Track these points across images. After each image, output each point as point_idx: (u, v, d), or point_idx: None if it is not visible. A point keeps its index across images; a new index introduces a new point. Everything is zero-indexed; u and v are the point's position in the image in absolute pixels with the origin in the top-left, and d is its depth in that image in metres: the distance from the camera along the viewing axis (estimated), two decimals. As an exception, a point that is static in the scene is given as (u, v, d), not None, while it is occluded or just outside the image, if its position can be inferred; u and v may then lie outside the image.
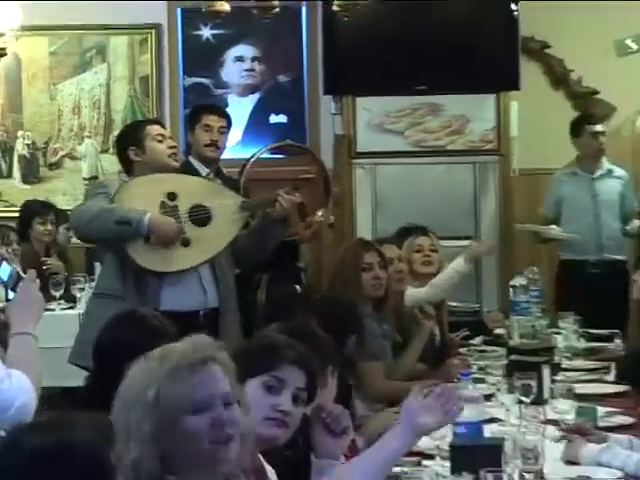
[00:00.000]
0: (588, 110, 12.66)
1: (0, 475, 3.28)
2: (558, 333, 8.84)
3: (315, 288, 8.90)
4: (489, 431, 5.76)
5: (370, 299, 8.02)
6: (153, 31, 13.00)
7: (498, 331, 9.34)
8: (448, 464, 5.19)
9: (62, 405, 5.58)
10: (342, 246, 9.54)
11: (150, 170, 7.98)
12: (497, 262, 11.81)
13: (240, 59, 12.94)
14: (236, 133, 11.59)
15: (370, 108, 12.06)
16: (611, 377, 7.90)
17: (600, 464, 5.55)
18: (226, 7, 8.71)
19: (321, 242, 11.59)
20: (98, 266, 8.41)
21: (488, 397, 6.79)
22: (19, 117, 13.15)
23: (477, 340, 9.28)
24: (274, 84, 13.00)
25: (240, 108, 12.76)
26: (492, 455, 5.05)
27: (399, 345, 8.08)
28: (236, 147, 11.31)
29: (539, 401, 6.50)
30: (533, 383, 6.62)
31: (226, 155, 9.21)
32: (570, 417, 6.36)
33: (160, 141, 8.08)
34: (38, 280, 5.14)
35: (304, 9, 12.32)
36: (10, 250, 9.90)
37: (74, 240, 11.27)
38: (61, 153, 13.04)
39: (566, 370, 7.95)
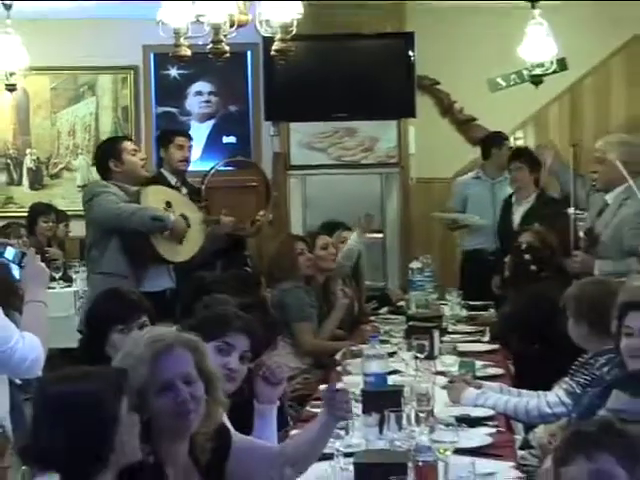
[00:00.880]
0: (470, 134, 12.77)
1: (32, 419, 3.39)
2: (445, 304, 8.93)
3: (258, 270, 8.96)
4: (392, 380, 5.73)
5: (303, 276, 8.17)
6: (132, 71, 12.93)
7: (399, 303, 9.29)
8: (360, 406, 5.11)
9: (60, 362, 5.62)
10: (278, 238, 9.69)
11: (126, 178, 8.02)
12: (399, 249, 11.86)
13: (199, 93, 12.86)
14: (197, 151, 11.57)
15: (301, 131, 12.04)
16: (486, 338, 7.88)
17: (477, 405, 5.62)
18: (188, 52, 8.67)
19: (263, 235, 11.62)
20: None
21: (391, 354, 6.76)
22: (27, 138, 13.04)
23: (383, 310, 9.24)
24: (226, 112, 12.91)
25: (200, 131, 12.61)
26: (394, 399, 5.03)
27: (324, 313, 8.14)
28: (196, 162, 11.26)
29: (430, 357, 6.49)
30: (426, 343, 6.65)
31: (189, 168, 9.23)
32: (454, 369, 6.38)
33: (134, 154, 8.16)
34: (39, 255, 5.10)
35: (249, 54, 12.28)
36: (20, 242, 9.84)
37: (71, 234, 11.37)
38: (60, 166, 12.93)
39: (451, 333, 7.96)
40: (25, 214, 11.75)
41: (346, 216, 9.79)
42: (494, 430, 5.23)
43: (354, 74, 11.70)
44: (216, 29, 8.21)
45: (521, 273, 7.81)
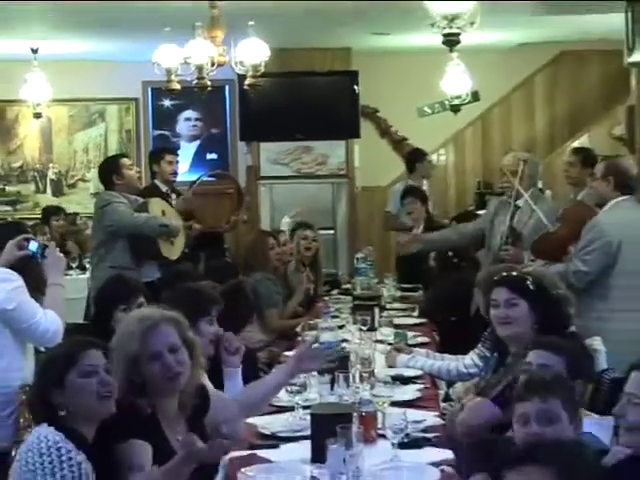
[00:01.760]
0: (402, 151, 12.77)
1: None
2: (383, 287, 8.91)
3: (235, 261, 8.95)
4: (340, 348, 5.43)
5: (272, 268, 8.16)
6: (133, 102, 12.88)
7: (347, 286, 9.14)
8: None
9: (75, 334, 5.59)
10: (251, 234, 9.69)
11: (127, 188, 7.99)
12: (346, 243, 11.86)
13: (188, 119, 12.80)
14: (185, 165, 11.56)
15: (268, 149, 11.99)
16: (415, 314, 7.78)
17: (408, 367, 5.60)
18: (178, 86, 8.65)
19: (238, 232, 11.61)
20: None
21: (341, 327, 6.69)
22: (50, 156, 12.96)
23: (334, 292, 9.12)
24: (209, 134, 12.83)
25: (188, 150, 12.53)
26: (343, 362, 4.96)
27: (287, 295, 8.12)
28: (185, 174, 11.25)
29: (372, 329, 6.51)
30: (368, 318, 6.63)
31: (181, 178, 9.25)
32: (391, 339, 6.36)
33: (131, 169, 8.16)
34: (57, 248, 5.12)
35: (227, 88, 12.24)
36: (44, 238, 9.78)
37: (87, 232, 11.28)
38: (76, 177, 12.85)
39: (388, 309, 7.86)
40: (47, 216, 11.67)
41: (305, 217, 9.83)
42: (422, 387, 5.22)
43: (310, 103, 11.70)
44: (200, 68, 8.18)
45: (445, 263, 7.85)
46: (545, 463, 2.49)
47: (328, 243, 10.89)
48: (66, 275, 5.54)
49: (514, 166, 7.69)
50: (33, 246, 4.91)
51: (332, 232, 11.71)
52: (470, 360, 5.49)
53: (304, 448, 3.97)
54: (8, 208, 12.82)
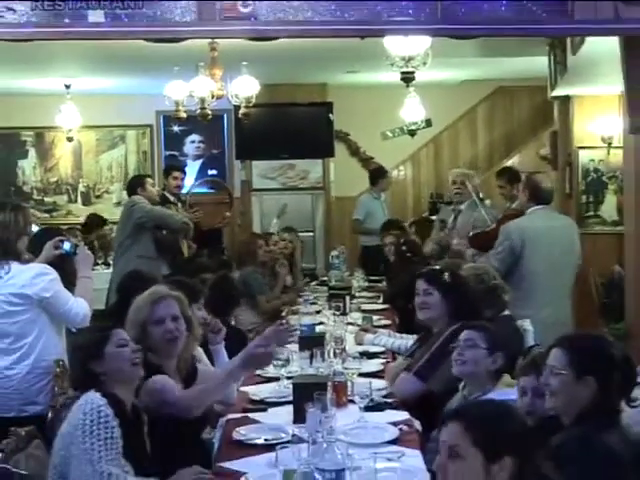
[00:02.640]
0: (369, 168, 12.76)
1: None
2: (353, 279, 8.92)
3: (230, 257, 8.97)
4: (318, 329, 5.71)
5: (260, 263, 8.15)
6: (148, 128, 12.75)
7: (323, 278, 9.22)
8: (297, 346, 5.13)
9: (100, 318, 5.59)
10: (244, 236, 9.71)
11: (149, 199, 8.05)
12: (323, 243, 11.81)
13: (193, 141, 12.65)
14: (190, 179, 11.54)
15: (259, 166, 11.91)
16: (380, 301, 7.93)
17: (373, 344, 5.65)
18: (184, 115, 8.68)
19: (234, 234, 11.62)
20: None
21: (318, 312, 6.79)
22: (80, 172, 12.82)
23: (313, 283, 9.21)
24: (210, 154, 12.68)
25: (193, 167, 12.47)
26: (319, 341, 5.05)
27: (272, 285, 8.12)
28: (192, 186, 11.27)
29: (344, 313, 6.60)
30: (341, 304, 6.71)
31: (191, 190, 9.33)
32: (359, 321, 6.44)
33: (152, 187, 8.21)
34: (86, 247, 5.20)
35: (225, 116, 12.19)
36: (76, 239, 9.73)
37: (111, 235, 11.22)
38: (102, 190, 12.73)
39: (357, 297, 7.94)
40: (79, 223, 11.59)
41: (289, 222, 9.86)
42: (384, 361, 5.28)
43: (293, 129, 11.58)
44: (202, 100, 8.19)
45: (402, 258, 7.87)
46: (462, 419, 2.48)
47: (308, 243, 10.87)
48: (93, 270, 5.50)
49: (463, 177, 7.86)
50: (67, 246, 4.92)
51: (311, 234, 11.70)
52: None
53: (288, 411, 3.99)
54: (46, 215, 12.74)
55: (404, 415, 4.05)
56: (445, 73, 11.22)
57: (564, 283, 6.12)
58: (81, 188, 12.94)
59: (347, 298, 7.09)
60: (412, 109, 11.28)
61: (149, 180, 8.37)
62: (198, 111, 8.31)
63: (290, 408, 3.96)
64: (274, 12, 5.14)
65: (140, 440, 3.43)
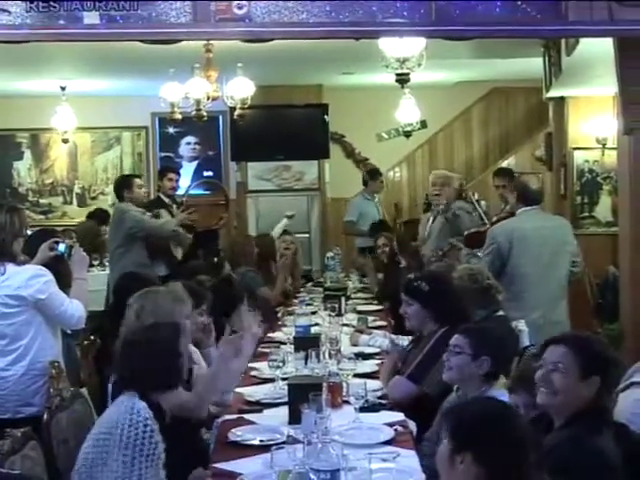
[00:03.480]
0: (364, 169, 12.76)
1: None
2: (349, 280, 8.93)
3: (224, 259, 8.97)
4: (314, 330, 5.72)
5: (255, 263, 8.16)
6: (144, 129, 12.74)
7: (319, 279, 9.25)
8: (292, 347, 5.21)
9: (96, 319, 5.59)
10: (240, 237, 9.72)
11: (134, 202, 8.00)
12: (319, 244, 11.80)
13: (188, 143, 12.65)
14: (186, 180, 11.52)
15: (254, 167, 11.88)
16: (375, 302, 7.90)
17: (369, 345, 5.66)
18: (180, 117, 8.68)
19: (230, 235, 11.61)
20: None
21: (313, 313, 6.74)
22: (76, 173, 12.83)
23: (309, 284, 9.25)
24: (206, 156, 12.68)
25: (189, 168, 12.46)
26: (315, 341, 5.05)
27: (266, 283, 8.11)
28: (188, 188, 11.26)
29: (339, 314, 6.59)
30: (336, 305, 6.69)
31: (187, 191, 9.34)
32: (355, 322, 6.44)
33: (140, 188, 8.17)
34: (82, 249, 5.17)
35: (220, 117, 12.18)
36: (71, 241, 9.69)
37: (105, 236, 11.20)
38: (97, 192, 12.70)
39: (353, 298, 7.97)
40: (74, 224, 11.54)
41: (285, 224, 9.86)
42: (379, 362, 5.25)
43: (289, 130, 11.58)
44: (198, 102, 8.19)
45: (393, 260, 7.94)
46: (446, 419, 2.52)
47: (304, 245, 10.85)
48: (88, 271, 5.50)
49: (443, 178, 7.86)
50: (62, 247, 4.91)
51: (307, 235, 11.68)
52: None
53: (283, 412, 3.99)
54: (41, 217, 12.74)
55: (399, 416, 4.05)
56: (440, 74, 11.23)
57: (557, 284, 6.09)
58: (76, 190, 12.92)
59: (342, 299, 7.11)
60: (407, 110, 11.29)
61: (137, 181, 8.25)
62: (193, 113, 8.31)
63: (285, 409, 3.95)
64: (269, 13, 5.15)
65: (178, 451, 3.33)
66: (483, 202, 11.36)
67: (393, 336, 5.91)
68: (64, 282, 4.85)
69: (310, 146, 11.72)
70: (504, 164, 11.43)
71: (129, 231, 7.84)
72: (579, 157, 9.91)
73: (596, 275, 8.95)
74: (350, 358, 4.76)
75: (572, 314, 6.35)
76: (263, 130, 11.42)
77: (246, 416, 4.11)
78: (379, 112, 11.80)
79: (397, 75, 6.56)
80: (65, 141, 12.14)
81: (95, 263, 10.09)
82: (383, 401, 4.29)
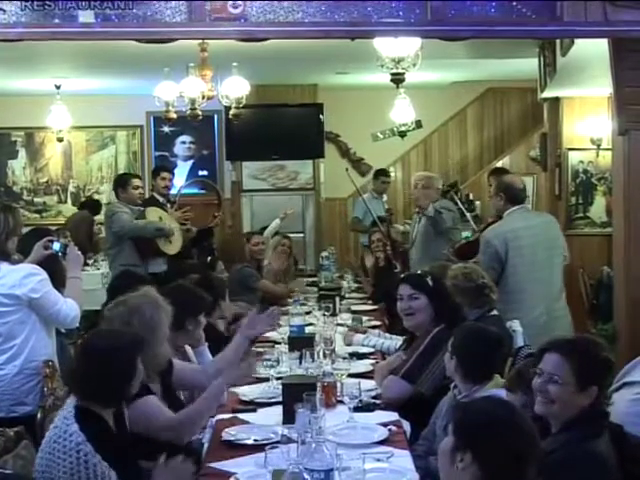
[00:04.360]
0: (359, 169, 12.82)
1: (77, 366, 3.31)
2: (343, 279, 8.93)
3: (217, 257, 8.98)
4: (308, 330, 5.73)
5: (254, 260, 8.15)
6: (139, 128, 12.75)
7: (314, 279, 9.16)
8: (287, 347, 5.19)
9: (91, 318, 5.57)
10: (235, 236, 9.71)
11: (128, 202, 8.04)
12: (314, 244, 11.80)
13: (183, 142, 12.65)
14: (180, 180, 11.50)
15: (249, 167, 11.92)
16: (370, 302, 7.86)
17: (363, 345, 5.65)
18: (175, 116, 8.69)
19: (224, 234, 11.62)
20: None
21: (308, 312, 6.66)
22: (70, 172, 12.84)
23: (304, 283, 9.25)
24: (201, 155, 12.69)
25: (183, 168, 12.50)
26: (309, 341, 5.05)
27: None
28: (182, 187, 11.25)
29: (333, 314, 6.59)
30: (331, 305, 6.70)
31: (181, 191, 9.34)
32: (349, 322, 6.43)
33: (135, 189, 8.16)
34: (77, 247, 5.13)
35: (215, 117, 12.20)
36: (65, 239, 9.69)
37: (101, 235, 11.19)
38: (92, 191, 12.72)
39: (347, 298, 7.90)
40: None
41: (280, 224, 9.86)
42: (374, 361, 5.25)
43: (284, 130, 11.61)
44: (193, 101, 8.19)
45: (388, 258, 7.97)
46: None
47: (298, 244, 10.88)
48: (83, 270, 5.50)
49: (425, 180, 7.78)
50: (56, 246, 4.91)
51: (302, 235, 11.70)
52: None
53: (277, 412, 3.98)
54: (36, 215, 12.74)
55: (393, 416, 4.05)
56: (435, 74, 11.24)
57: (554, 279, 6.09)
58: (71, 189, 12.92)
59: (337, 299, 7.09)
60: (402, 110, 11.30)
61: (133, 181, 8.24)
62: (188, 112, 8.31)
63: (279, 409, 3.95)
64: (264, 13, 5.14)
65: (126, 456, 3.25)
66: (478, 202, 11.44)
67: (387, 335, 5.92)
68: (58, 281, 4.85)
69: (305, 146, 11.74)
70: (499, 164, 11.45)
71: (117, 233, 7.91)
72: (574, 158, 9.91)
73: (590, 275, 8.96)
74: (344, 358, 4.74)
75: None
76: (258, 129, 11.43)
77: (240, 415, 4.11)
78: (374, 112, 11.81)
79: (392, 75, 6.55)
80: (60, 140, 12.14)
81: (90, 262, 10.08)
82: (377, 401, 4.29)
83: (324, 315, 6.27)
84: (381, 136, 12.13)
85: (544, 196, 10.57)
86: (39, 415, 3.97)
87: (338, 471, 2.95)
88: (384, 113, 11.39)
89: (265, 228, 9.38)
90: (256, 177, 11.97)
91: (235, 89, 8.36)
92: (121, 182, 8.30)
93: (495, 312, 5.02)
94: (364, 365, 5.05)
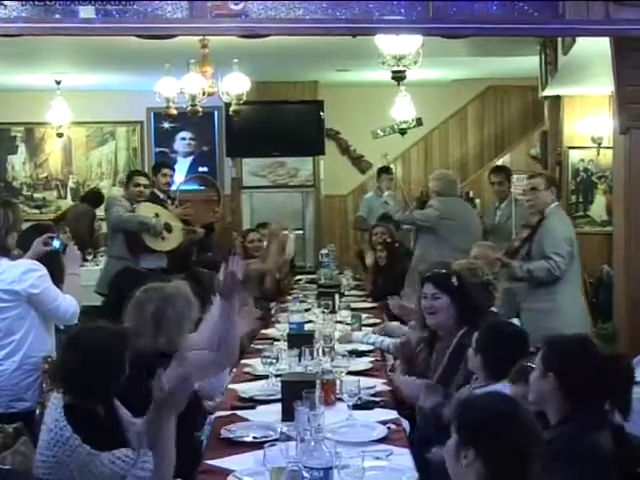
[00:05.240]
0: (359, 166, 12.81)
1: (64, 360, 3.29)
2: (343, 276, 8.92)
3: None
4: (307, 327, 5.73)
5: (252, 255, 8.13)
6: (139, 124, 12.73)
7: (313, 276, 9.14)
8: (286, 344, 5.19)
9: (90, 314, 5.56)
10: (235, 232, 9.72)
11: (130, 197, 8.04)
12: (313, 241, 11.80)
13: (183, 139, 12.65)
14: (180, 176, 11.48)
15: (249, 163, 11.92)
16: (369, 299, 7.85)
17: (362, 342, 5.64)
18: (175, 112, 8.69)
19: (225, 230, 11.61)
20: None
21: (307, 310, 6.70)
22: (70, 168, 12.81)
23: (303, 280, 9.24)
24: (201, 151, 12.67)
25: (184, 164, 12.50)
26: (308, 339, 5.05)
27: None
28: (182, 184, 11.25)
29: (333, 311, 6.54)
30: (330, 302, 6.67)
31: (181, 187, 9.36)
32: (349, 320, 6.38)
33: (136, 186, 8.13)
34: (76, 246, 5.15)
35: (215, 113, 12.20)
36: (65, 236, 9.70)
37: (101, 231, 11.18)
38: (91, 186, 12.79)
39: (347, 295, 7.89)
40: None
41: (280, 219, 9.83)
42: (373, 359, 5.27)
43: (284, 127, 11.59)
44: (193, 97, 8.19)
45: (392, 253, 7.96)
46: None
47: (298, 241, 10.87)
48: (82, 266, 5.50)
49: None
50: (56, 243, 4.91)
51: (301, 232, 11.69)
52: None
53: (276, 409, 3.98)
54: (35, 211, 12.72)
55: (392, 414, 4.05)
56: (436, 72, 11.24)
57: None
58: (71, 184, 12.90)
59: (336, 296, 7.07)
60: (403, 108, 11.29)
61: (137, 178, 8.21)
62: (189, 108, 8.31)
63: (279, 406, 3.94)
64: (265, 10, 5.14)
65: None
66: (477, 200, 11.42)
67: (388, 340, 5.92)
68: (58, 277, 4.85)
69: (305, 142, 11.73)
70: (499, 162, 11.45)
71: (108, 225, 8.15)
72: (574, 156, 9.91)
73: (590, 274, 8.96)
74: (344, 355, 4.74)
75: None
76: (258, 126, 11.44)
77: (239, 413, 4.10)
78: (374, 109, 11.79)
79: (393, 72, 6.55)
80: (60, 135, 12.13)
81: (89, 258, 10.06)
82: (376, 399, 4.28)
83: (323, 312, 6.27)
84: (381, 133, 12.10)
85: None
86: (38, 411, 3.96)
87: (337, 469, 2.94)
88: (384, 110, 11.38)
89: (263, 225, 9.33)
90: (256, 174, 11.97)
91: (235, 85, 8.36)
92: (126, 178, 8.48)
93: (494, 309, 5.02)
94: (363, 363, 5.05)
